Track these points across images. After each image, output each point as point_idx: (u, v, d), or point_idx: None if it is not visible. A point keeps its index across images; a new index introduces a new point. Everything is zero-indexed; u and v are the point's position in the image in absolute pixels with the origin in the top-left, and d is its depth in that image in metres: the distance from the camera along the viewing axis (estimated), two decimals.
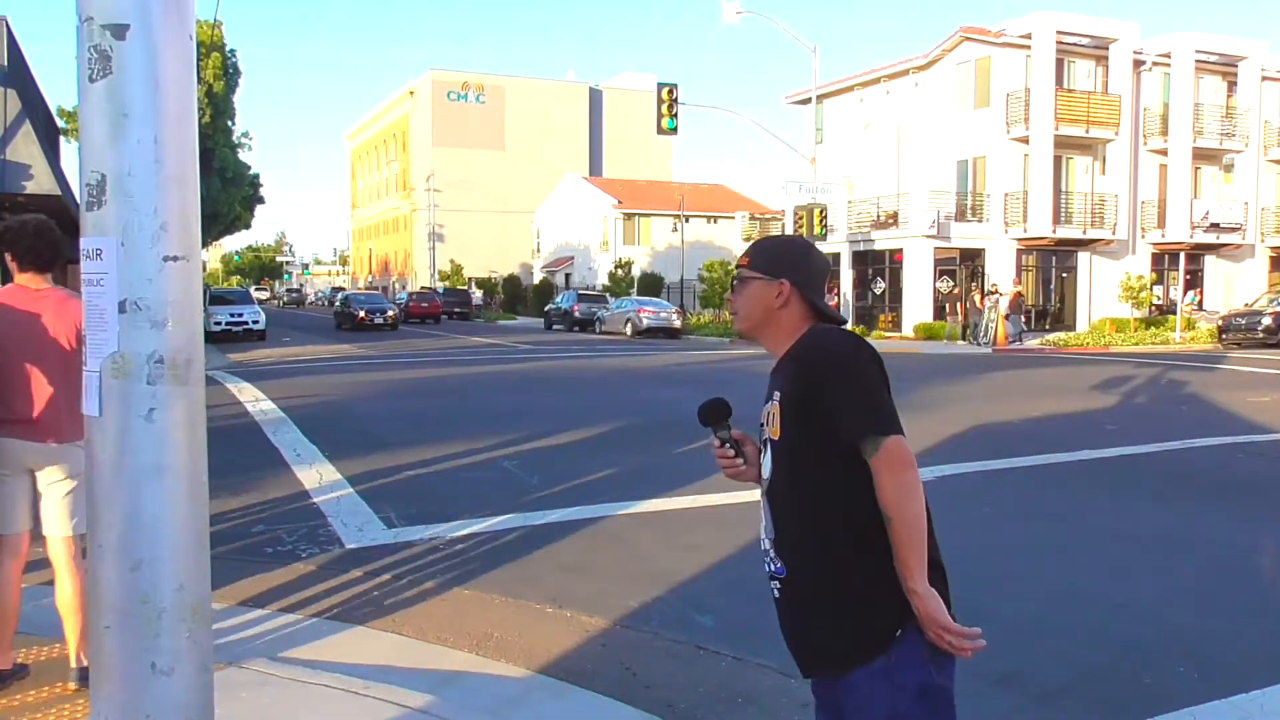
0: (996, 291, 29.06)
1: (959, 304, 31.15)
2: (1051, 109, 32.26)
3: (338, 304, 45.35)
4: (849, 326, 2.66)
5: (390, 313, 39.81)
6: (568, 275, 62.55)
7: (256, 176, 44.78)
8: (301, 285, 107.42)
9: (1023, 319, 30.07)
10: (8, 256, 3.92)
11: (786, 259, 2.43)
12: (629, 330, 35.90)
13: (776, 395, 2.33)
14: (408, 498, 7.87)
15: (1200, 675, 4.45)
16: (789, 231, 29.43)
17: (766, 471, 2.36)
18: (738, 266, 2.49)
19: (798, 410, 2.25)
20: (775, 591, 2.37)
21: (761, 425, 2.42)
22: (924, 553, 2.15)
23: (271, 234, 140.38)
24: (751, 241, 2.53)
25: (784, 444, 2.29)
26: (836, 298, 34.77)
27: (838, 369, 2.22)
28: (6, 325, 3.83)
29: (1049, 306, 35.06)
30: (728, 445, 2.49)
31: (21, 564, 4.00)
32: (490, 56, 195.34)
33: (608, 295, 45.18)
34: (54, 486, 3.91)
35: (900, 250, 33.69)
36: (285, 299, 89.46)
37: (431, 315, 47.49)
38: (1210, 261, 36.73)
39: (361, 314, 39.10)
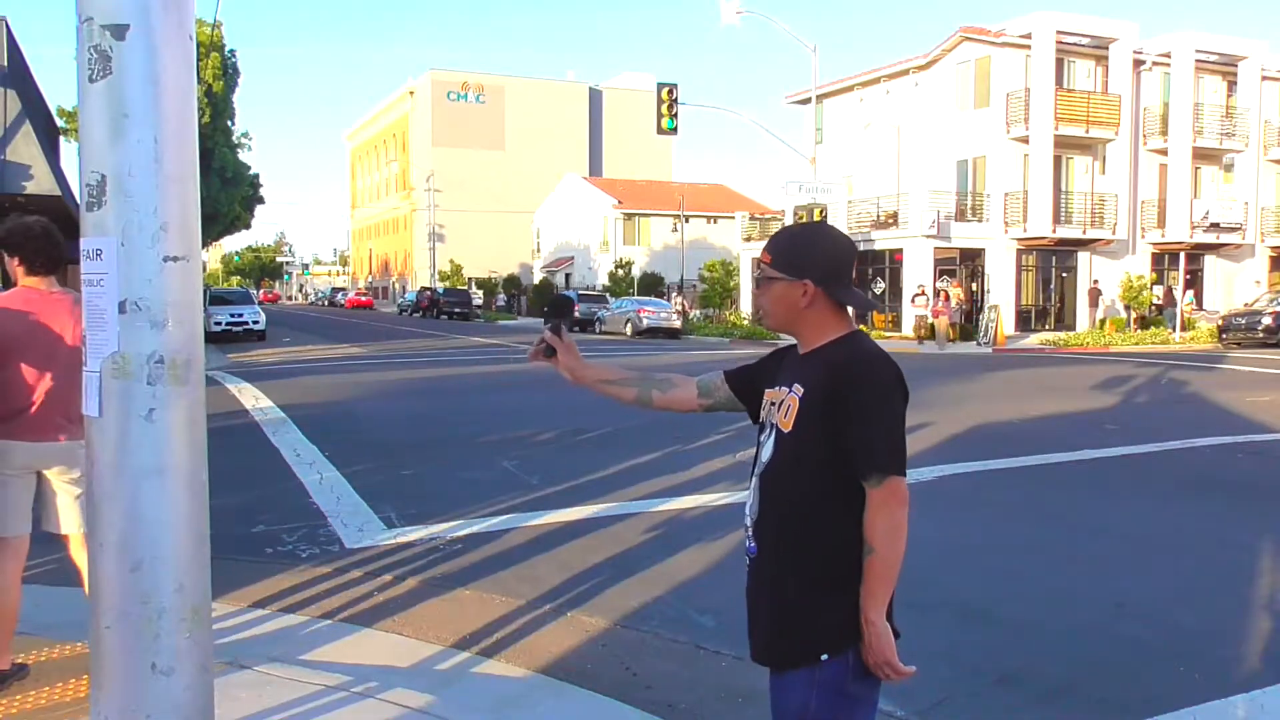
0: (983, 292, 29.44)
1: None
2: (1051, 109, 32.25)
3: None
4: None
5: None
6: (568, 275, 62.57)
7: (256, 176, 44.72)
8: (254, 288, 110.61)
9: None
10: (13, 260, 3.91)
11: (807, 256, 2.36)
12: (629, 330, 35.90)
13: (798, 389, 2.30)
14: (408, 498, 7.87)
15: (1200, 675, 4.45)
16: None
17: (765, 455, 2.36)
18: (760, 264, 2.44)
19: (820, 417, 2.24)
20: (747, 570, 2.41)
21: (770, 405, 2.40)
22: (891, 589, 2.19)
23: (271, 234, 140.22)
24: (771, 236, 2.48)
25: (793, 438, 2.28)
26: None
27: (874, 398, 2.21)
28: (21, 328, 3.82)
29: (1049, 306, 35.02)
30: (550, 340, 2.75)
31: (21, 566, 4.00)
32: (490, 56, 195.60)
33: (608, 295, 45.18)
34: (72, 484, 3.93)
35: (900, 250, 33.65)
36: None
37: None
38: (1210, 261, 36.73)
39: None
